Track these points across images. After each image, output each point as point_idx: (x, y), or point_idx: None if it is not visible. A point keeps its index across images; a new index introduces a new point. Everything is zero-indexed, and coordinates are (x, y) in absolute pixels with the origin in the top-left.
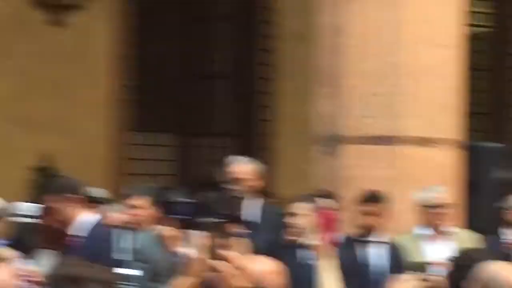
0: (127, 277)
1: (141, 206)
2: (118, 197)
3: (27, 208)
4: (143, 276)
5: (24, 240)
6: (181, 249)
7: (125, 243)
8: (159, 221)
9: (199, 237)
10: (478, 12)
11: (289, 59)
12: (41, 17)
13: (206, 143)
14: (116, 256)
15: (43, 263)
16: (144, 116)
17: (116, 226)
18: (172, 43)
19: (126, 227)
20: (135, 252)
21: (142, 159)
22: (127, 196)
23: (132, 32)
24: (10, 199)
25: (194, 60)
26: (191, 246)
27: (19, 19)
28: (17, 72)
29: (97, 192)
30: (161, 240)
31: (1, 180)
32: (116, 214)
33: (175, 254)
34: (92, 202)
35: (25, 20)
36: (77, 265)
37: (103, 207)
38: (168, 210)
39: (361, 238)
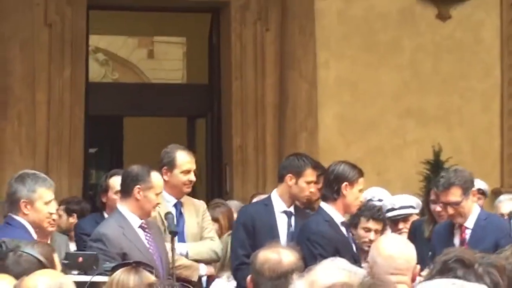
0: None
1: None
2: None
3: (405, 200)
4: None
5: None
6: None
7: None
8: None
9: None
10: None
11: None
12: (426, 12)
13: None
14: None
15: None
16: None
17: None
18: None
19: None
20: None
21: None
22: None
23: None
24: (402, 191)
25: None
26: None
27: (406, 14)
28: (407, 66)
29: (481, 184)
30: None
31: (394, 172)
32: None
33: None
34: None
35: (412, 14)
36: (466, 252)
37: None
38: None
39: None
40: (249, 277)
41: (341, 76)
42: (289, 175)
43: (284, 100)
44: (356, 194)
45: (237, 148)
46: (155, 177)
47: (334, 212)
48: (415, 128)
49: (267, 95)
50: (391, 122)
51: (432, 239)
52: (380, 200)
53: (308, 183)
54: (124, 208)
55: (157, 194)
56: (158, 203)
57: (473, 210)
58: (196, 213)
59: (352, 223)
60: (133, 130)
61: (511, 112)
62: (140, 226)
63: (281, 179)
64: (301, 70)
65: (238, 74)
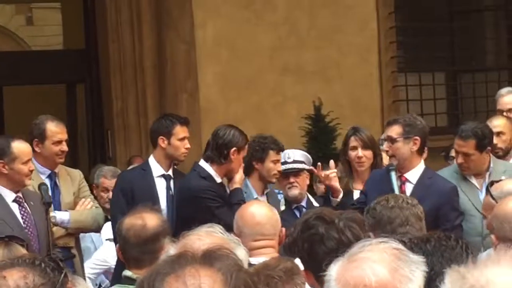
0: None
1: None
2: None
3: (299, 155)
4: None
5: None
6: None
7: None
8: None
9: None
10: None
11: None
12: None
13: (479, 79)
14: None
15: None
16: (413, 56)
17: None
18: None
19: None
20: None
21: (414, 100)
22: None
23: None
24: (285, 147)
25: None
26: None
27: None
28: (283, 22)
29: None
30: None
31: (275, 129)
32: None
33: None
34: None
35: None
36: (325, 209)
37: None
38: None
39: None
40: (117, 246)
41: (218, 35)
42: (160, 137)
43: (163, 61)
44: (240, 161)
45: (118, 112)
46: (18, 146)
47: (213, 172)
48: (294, 84)
49: (145, 58)
50: (270, 79)
51: (366, 184)
52: None
53: (181, 140)
54: None
55: (24, 163)
56: (31, 170)
57: (417, 164)
58: (72, 182)
59: (258, 158)
60: (13, 99)
61: (388, 64)
62: (15, 200)
63: (154, 143)
64: (179, 31)
65: (115, 37)
